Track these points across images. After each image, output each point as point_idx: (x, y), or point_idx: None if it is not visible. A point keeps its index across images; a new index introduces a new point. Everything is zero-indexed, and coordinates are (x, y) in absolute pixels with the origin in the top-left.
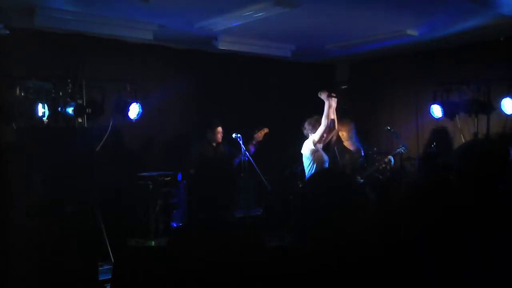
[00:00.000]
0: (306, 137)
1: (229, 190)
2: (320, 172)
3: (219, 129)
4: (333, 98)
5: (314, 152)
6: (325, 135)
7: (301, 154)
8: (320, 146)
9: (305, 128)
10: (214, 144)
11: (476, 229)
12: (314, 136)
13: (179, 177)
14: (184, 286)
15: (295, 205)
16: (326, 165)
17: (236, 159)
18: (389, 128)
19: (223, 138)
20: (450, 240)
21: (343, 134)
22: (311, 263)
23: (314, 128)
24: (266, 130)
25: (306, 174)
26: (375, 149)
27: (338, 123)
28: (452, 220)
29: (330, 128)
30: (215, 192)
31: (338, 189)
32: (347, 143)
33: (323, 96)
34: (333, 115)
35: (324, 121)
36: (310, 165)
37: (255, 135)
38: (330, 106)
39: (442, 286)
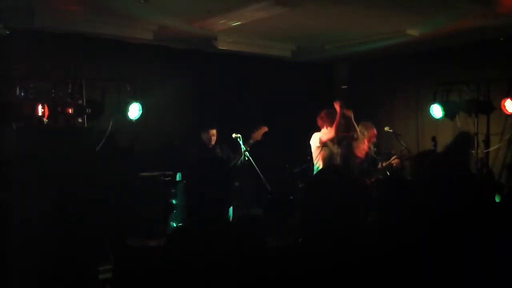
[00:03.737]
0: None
1: (221, 191)
2: (320, 171)
3: (213, 131)
4: (350, 110)
5: (319, 148)
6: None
7: (305, 151)
8: (329, 143)
9: (319, 119)
10: (210, 146)
11: (476, 230)
12: (322, 136)
13: (179, 177)
14: (184, 286)
15: (297, 204)
16: (333, 158)
17: (233, 160)
18: (389, 128)
19: (221, 139)
20: (450, 241)
21: (365, 136)
22: (311, 263)
23: (325, 123)
24: (265, 128)
25: (314, 166)
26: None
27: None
28: (451, 221)
29: (340, 131)
30: (206, 193)
31: (336, 188)
32: (359, 151)
33: (336, 106)
34: (352, 127)
35: (333, 131)
36: (318, 158)
37: (253, 134)
38: (343, 116)
39: (442, 286)
